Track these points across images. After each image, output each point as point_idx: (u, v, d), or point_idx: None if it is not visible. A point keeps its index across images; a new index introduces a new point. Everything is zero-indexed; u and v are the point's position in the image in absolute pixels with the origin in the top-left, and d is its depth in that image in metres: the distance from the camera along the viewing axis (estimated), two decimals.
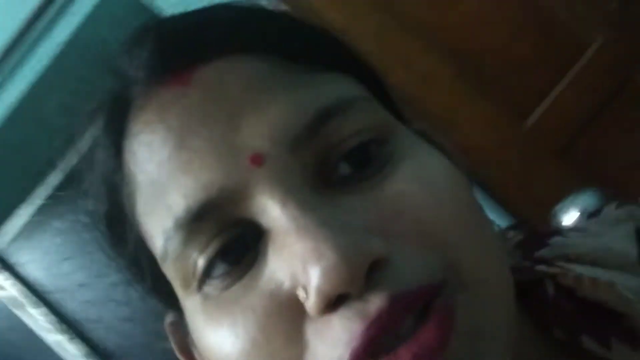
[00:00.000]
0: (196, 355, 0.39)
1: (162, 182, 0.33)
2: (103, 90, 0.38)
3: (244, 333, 0.31)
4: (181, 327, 0.39)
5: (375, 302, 0.29)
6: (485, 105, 1.22)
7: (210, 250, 0.32)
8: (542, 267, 0.42)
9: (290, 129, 0.31)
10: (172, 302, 0.37)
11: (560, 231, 0.47)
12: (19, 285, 1.53)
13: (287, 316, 0.30)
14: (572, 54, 1.16)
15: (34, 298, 1.52)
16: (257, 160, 0.31)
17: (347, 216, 0.30)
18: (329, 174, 0.32)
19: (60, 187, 1.46)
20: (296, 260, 0.29)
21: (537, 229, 0.49)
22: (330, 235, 0.29)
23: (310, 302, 0.29)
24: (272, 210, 0.30)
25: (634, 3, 1.12)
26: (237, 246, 0.32)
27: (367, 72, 0.39)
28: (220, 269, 0.32)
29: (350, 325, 0.29)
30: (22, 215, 1.54)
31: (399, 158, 0.33)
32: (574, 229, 0.49)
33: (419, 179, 0.33)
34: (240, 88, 0.33)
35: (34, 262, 1.54)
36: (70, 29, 1.38)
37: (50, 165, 1.46)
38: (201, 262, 0.32)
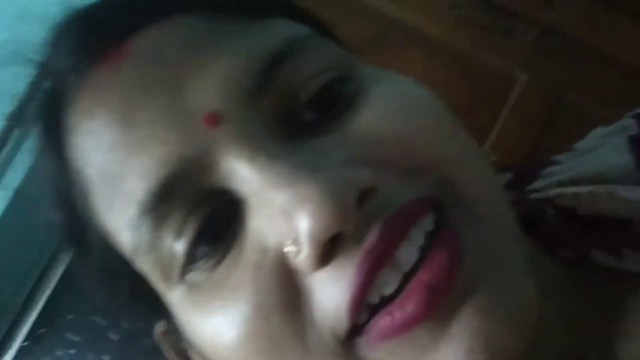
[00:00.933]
0: (193, 357, 0.36)
1: (115, 169, 0.29)
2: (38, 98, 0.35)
3: (237, 315, 0.27)
4: (172, 334, 0.36)
5: (369, 236, 0.26)
6: None
7: (188, 232, 0.29)
8: (535, 195, 0.40)
9: (241, 79, 0.29)
10: (156, 309, 0.34)
11: (552, 161, 0.44)
12: None
13: (279, 285, 0.27)
14: (504, 90, 1.22)
15: None
16: (212, 119, 0.28)
17: (322, 156, 0.28)
18: (294, 123, 0.30)
19: (33, 330, 1.44)
20: (278, 215, 0.26)
21: (527, 165, 0.47)
22: (308, 177, 0.26)
23: (303, 254, 0.26)
24: (240, 171, 0.28)
25: (547, 33, 1.19)
26: (215, 223, 0.29)
27: (308, 15, 0.37)
28: (201, 251, 0.29)
29: (342, 270, 0.26)
30: None
31: (366, 89, 0.30)
32: (565, 153, 0.47)
33: (391, 101, 0.30)
34: (178, 50, 0.30)
35: None
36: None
37: (23, 309, 1.45)
38: (180, 247, 0.29)
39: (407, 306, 0.26)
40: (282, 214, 0.26)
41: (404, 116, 0.30)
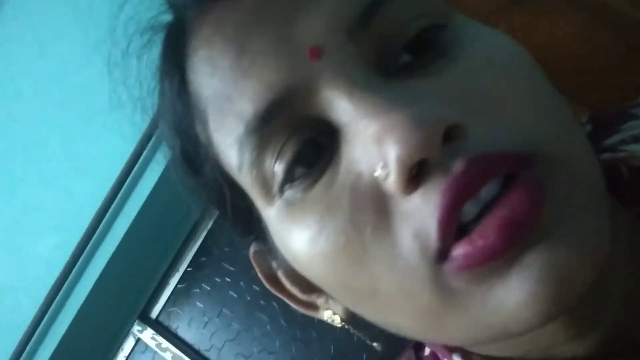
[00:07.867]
0: (281, 278, 0.39)
1: (228, 92, 0.32)
2: (154, 22, 0.39)
3: (334, 228, 0.30)
4: (265, 255, 0.39)
5: (455, 167, 0.27)
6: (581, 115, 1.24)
7: (287, 153, 0.32)
8: (606, 155, 0.41)
9: (344, 17, 0.31)
10: (253, 228, 0.38)
11: (632, 114, 0.45)
12: (181, 346, 1.71)
13: (372, 205, 0.29)
14: None
15: (195, 356, 1.70)
16: (316, 53, 0.30)
17: (416, 95, 0.29)
18: (390, 64, 0.31)
19: (196, 258, 1.67)
20: (371, 142, 0.28)
21: (606, 115, 0.46)
22: (401, 108, 0.27)
23: (391, 178, 0.28)
24: (339, 102, 0.30)
25: None
26: (312, 147, 0.31)
27: None
28: (299, 172, 0.32)
29: (430, 195, 0.28)
30: (170, 284, 1.75)
31: (463, 40, 0.32)
32: None
33: (489, 56, 0.31)
34: None
35: (183, 325, 1.73)
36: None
37: (188, 239, 1.67)
38: (279, 167, 0.32)
39: (489, 237, 0.27)
40: (373, 141, 0.28)
41: (500, 72, 0.30)
